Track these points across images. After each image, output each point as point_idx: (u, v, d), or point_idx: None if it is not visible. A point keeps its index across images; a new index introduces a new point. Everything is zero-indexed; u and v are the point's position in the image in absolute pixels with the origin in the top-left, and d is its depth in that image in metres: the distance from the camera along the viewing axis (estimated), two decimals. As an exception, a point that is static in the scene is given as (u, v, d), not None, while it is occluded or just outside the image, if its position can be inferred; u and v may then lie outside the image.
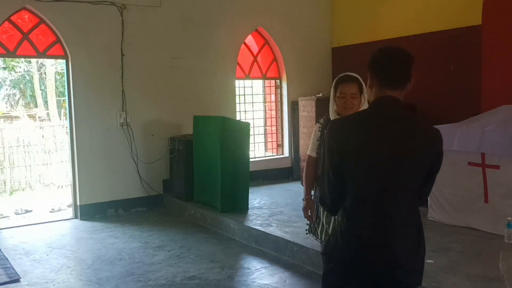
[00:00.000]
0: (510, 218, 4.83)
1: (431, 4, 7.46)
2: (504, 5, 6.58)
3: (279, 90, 8.88)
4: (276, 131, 8.95)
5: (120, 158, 7.26)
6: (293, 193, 7.59)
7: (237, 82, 8.39)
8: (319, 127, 3.35)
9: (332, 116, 3.25)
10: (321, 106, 7.89)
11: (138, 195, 7.41)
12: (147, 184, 7.43)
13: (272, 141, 8.97)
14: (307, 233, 3.55)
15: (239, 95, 8.55)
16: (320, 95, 8.18)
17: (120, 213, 7.25)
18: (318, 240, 3.39)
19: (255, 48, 8.70)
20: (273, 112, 8.94)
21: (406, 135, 2.12)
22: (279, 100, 8.90)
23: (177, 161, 7.26)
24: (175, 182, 7.36)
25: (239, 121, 6.81)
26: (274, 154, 8.94)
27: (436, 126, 4.85)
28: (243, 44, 8.40)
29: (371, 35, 8.37)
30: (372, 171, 2.11)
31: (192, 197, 7.01)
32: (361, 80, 3.18)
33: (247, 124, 6.68)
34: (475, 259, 4.39)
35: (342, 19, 9.03)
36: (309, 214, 3.41)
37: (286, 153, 8.87)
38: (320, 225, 3.33)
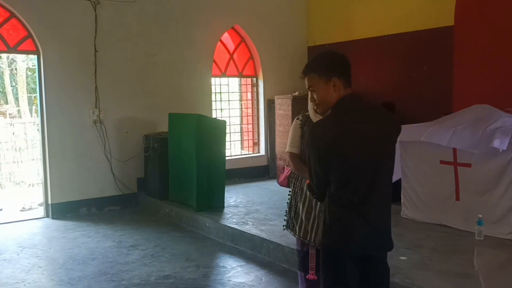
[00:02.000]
0: (480, 216, 4.93)
1: (406, 5, 7.55)
2: (475, 7, 6.71)
3: (255, 88, 8.87)
4: (252, 129, 8.94)
5: (93, 156, 7.14)
6: (269, 191, 7.60)
7: (213, 79, 8.34)
8: (299, 124, 3.33)
9: (310, 112, 3.25)
10: (297, 104, 7.92)
11: (111, 194, 7.30)
12: (120, 183, 7.33)
13: (248, 139, 8.96)
14: (284, 229, 3.52)
15: (215, 92, 8.51)
16: (296, 93, 8.20)
17: (92, 212, 7.13)
18: (295, 236, 3.36)
19: (231, 45, 8.67)
20: (249, 110, 8.93)
21: (382, 123, 2.46)
22: (255, 98, 8.90)
23: (151, 159, 7.18)
24: (150, 181, 7.28)
25: (215, 119, 6.78)
26: (250, 153, 8.93)
27: (410, 125, 4.93)
28: (219, 42, 8.36)
29: (347, 35, 8.43)
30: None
31: (167, 195, 6.94)
32: None
33: (223, 122, 6.64)
34: (447, 256, 4.46)
35: (317, 18, 9.07)
36: None
37: (262, 152, 8.87)
38: (299, 221, 3.31)
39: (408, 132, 5.25)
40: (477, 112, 5.49)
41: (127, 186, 7.39)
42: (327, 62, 2.48)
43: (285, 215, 3.49)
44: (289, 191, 3.47)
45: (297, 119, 3.39)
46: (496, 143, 4.85)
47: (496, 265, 2.01)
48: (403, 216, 5.70)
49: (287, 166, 8.22)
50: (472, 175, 5.14)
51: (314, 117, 3.23)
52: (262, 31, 8.65)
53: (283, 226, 3.53)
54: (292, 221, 3.37)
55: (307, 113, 3.32)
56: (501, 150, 4.86)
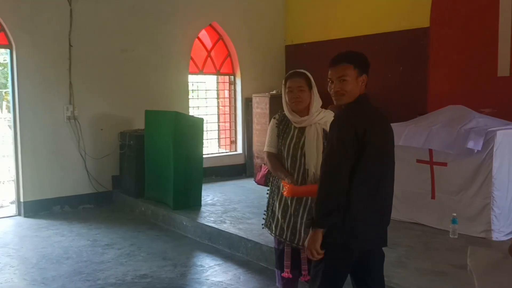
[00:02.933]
0: (455, 214, 5.02)
1: (382, 6, 7.63)
2: (451, 9, 6.82)
3: (233, 86, 8.83)
4: (230, 127, 8.90)
5: (67, 153, 6.99)
6: (246, 190, 7.57)
7: (190, 77, 8.27)
8: (276, 123, 3.33)
9: (286, 111, 3.26)
10: (275, 103, 7.91)
11: (85, 192, 7.16)
12: (95, 180, 7.20)
13: (225, 138, 8.92)
14: (263, 227, 3.51)
15: (192, 90, 8.43)
16: (274, 92, 8.20)
17: (66, 210, 6.98)
18: (272, 234, 3.35)
19: (209, 43, 8.61)
20: (227, 109, 8.89)
21: (388, 123, 2.69)
22: (232, 96, 8.86)
23: (127, 156, 7.07)
24: (125, 178, 7.17)
25: (192, 116, 6.72)
26: (227, 151, 8.89)
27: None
28: (196, 39, 8.29)
29: (324, 34, 8.47)
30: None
31: (143, 193, 6.85)
32: (309, 75, 3.25)
33: (201, 120, 6.59)
34: (423, 254, 4.52)
35: (295, 17, 9.08)
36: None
37: (240, 150, 8.84)
38: (275, 220, 3.30)
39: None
40: (452, 113, 5.59)
41: (102, 184, 7.27)
42: (364, 58, 2.58)
43: (264, 214, 3.48)
44: (267, 190, 3.47)
45: (274, 118, 3.37)
46: (470, 144, 4.94)
47: (490, 264, 2.04)
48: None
49: (264, 165, 8.21)
50: (448, 174, 5.23)
51: (291, 116, 3.23)
52: (240, 29, 8.62)
53: (262, 224, 3.53)
54: (269, 219, 3.37)
55: (284, 112, 3.30)
56: (475, 151, 4.95)
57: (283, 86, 3.27)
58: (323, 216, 2.42)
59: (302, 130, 3.22)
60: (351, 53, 2.59)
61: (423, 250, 4.66)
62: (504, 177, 4.99)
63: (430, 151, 5.34)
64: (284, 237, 3.25)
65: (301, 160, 3.18)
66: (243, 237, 5.13)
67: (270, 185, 3.41)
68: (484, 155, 4.94)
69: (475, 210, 5.05)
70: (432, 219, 5.37)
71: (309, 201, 3.18)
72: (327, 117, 3.25)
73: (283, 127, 3.28)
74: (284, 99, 3.26)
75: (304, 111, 3.22)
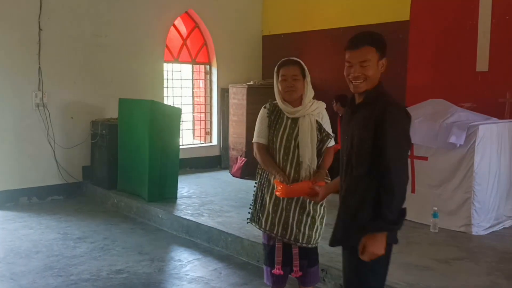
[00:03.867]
0: (436, 208, 5.01)
1: (362, -3, 7.57)
2: (430, 3, 6.81)
3: (208, 76, 8.63)
4: (205, 118, 8.70)
5: (35, 141, 6.66)
6: (222, 182, 7.42)
7: (165, 65, 8.02)
8: (267, 113, 3.16)
9: (278, 101, 3.11)
10: (252, 94, 7.77)
11: (54, 183, 6.86)
12: (64, 171, 6.90)
13: (200, 129, 8.71)
14: (248, 222, 3.34)
15: (167, 79, 8.19)
16: (251, 82, 8.05)
17: (34, 201, 6.67)
18: (261, 229, 3.19)
19: (184, 31, 8.37)
20: (202, 99, 8.68)
21: None
22: (208, 86, 8.66)
23: (99, 146, 6.80)
24: (97, 169, 6.90)
25: (169, 105, 6.51)
26: (202, 142, 8.69)
27: None
28: (172, 26, 8.04)
29: (303, 25, 8.36)
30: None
31: (115, 185, 6.61)
32: (303, 64, 3.11)
33: (178, 110, 6.39)
34: (405, 248, 4.47)
35: (273, 7, 8.93)
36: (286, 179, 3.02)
37: (215, 141, 8.66)
38: (265, 214, 3.13)
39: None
40: (433, 107, 5.57)
41: (72, 175, 6.97)
42: (384, 40, 2.37)
43: (250, 208, 3.32)
44: (255, 183, 3.31)
45: (264, 107, 3.19)
46: (453, 138, 4.93)
47: None
48: (359, 208, 5.69)
49: (240, 156, 8.03)
50: (429, 168, 5.20)
51: (284, 106, 3.09)
52: (217, 17, 8.41)
53: (247, 219, 3.35)
54: (257, 214, 3.19)
55: (275, 102, 3.15)
56: (458, 145, 4.94)
57: (275, 74, 3.12)
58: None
59: (295, 120, 3.07)
60: (373, 34, 2.37)
61: (404, 244, 4.61)
62: (485, 171, 5.01)
63: (411, 145, 5.30)
64: (275, 232, 3.11)
65: (295, 152, 3.04)
66: (223, 231, 4.98)
67: (258, 178, 3.25)
68: (466, 149, 4.94)
69: (455, 204, 5.05)
70: (412, 213, 5.24)
71: None
72: (320, 108, 3.14)
73: (274, 117, 3.11)
74: (277, 88, 3.12)
75: (297, 101, 3.08)
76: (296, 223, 3.07)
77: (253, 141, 3.23)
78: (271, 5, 8.96)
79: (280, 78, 3.08)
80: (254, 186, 3.30)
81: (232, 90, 8.07)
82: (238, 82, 8.30)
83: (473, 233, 4.93)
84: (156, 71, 7.84)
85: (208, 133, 8.71)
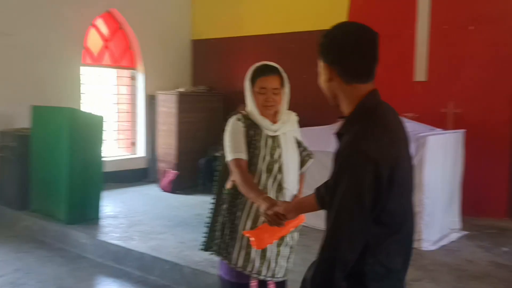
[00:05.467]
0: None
1: (297, 3, 7.31)
2: (368, 11, 6.67)
3: (134, 81, 7.94)
4: (130, 127, 7.99)
5: None
6: (151, 197, 6.78)
7: (83, 69, 7.24)
8: (244, 127, 2.54)
9: (255, 114, 2.55)
10: (183, 101, 7.24)
11: (-48, 203, 5.87)
12: (-35, 189, 5.93)
13: (124, 139, 7.98)
14: (202, 249, 2.69)
15: (85, 84, 7.40)
16: (182, 89, 7.50)
17: None
18: (230, 264, 2.57)
19: (107, 32, 7.64)
20: (127, 106, 7.97)
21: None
22: (133, 93, 7.96)
23: (8, 160, 5.91)
24: (5, 187, 6.00)
25: (91, 114, 5.78)
26: (126, 154, 7.96)
27: (307, 128, 4.30)
28: (92, 26, 7.29)
29: (235, 30, 7.96)
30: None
31: (28, 205, 5.76)
32: (282, 71, 2.61)
33: (100, 118, 5.69)
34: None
35: (202, 10, 8.45)
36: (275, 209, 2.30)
37: (141, 153, 7.97)
38: (238, 247, 2.54)
39: (311, 140, 4.91)
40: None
41: (-26, 194, 6.01)
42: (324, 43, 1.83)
43: (206, 234, 2.68)
44: (214, 203, 2.65)
45: (238, 120, 2.57)
46: (402, 149, 4.73)
47: None
48: (304, 225, 5.34)
49: (170, 169, 7.40)
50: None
51: (264, 122, 2.54)
52: (143, 17, 7.77)
53: (202, 246, 2.70)
54: (225, 245, 2.57)
55: (245, 114, 2.59)
56: (407, 157, 4.74)
57: (248, 82, 2.58)
58: None
59: (274, 139, 2.58)
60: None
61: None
62: (433, 184, 4.85)
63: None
64: (250, 269, 2.54)
65: (277, 176, 2.54)
66: (158, 257, 4.39)
67: (229, 200, 2.58)
68: (416, 161, 4.74)
69: (404, 219, 4.84)
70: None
71: None
72: (293, 119, 2.70)
73: (254, 133, 2.55)
74: (252, 100, 2.57)
75: (272, 116, 2.60)
76: (276, 256, 2.59)
77: (229, 158, 2.51)
78: (200, 8, 8.47)
79: (256, 90, 2.55)
80: (212, 208, 2.67)
81: (160, 97, 7.46)
82: (166, 88, 7.71)
83: (423, 248, 4.74)
84: (73, 76, 7.05)
85: (134, 144, 8.01)
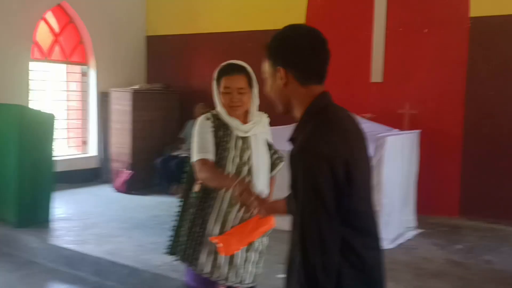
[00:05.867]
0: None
1: (256, 2, 7.26)
2: (325, 11, 6.72)
3: (85, 78, 7.64)
4: (81, 125, 7.68)
5: None
6: (104, 198, 6.55)
7: (32, 64, 6.89)
8: (212, 127, 2.47)
9: (223, 114, 2.48)
10: (138, 99, 7.05)
11: None
12: None
13: (75, 138, 7.67)
14: (167, 254, 2.58)
15: (34, 80, 7.05)
16: (137, 87, 7.29)
17: None
18: (197, 270, 2.47)
19: (57, 26, 7.31)
20: (78, 103, 7.65)
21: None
22: (85, 89, 7.66)
23: (-51, 160, 5.53)
24: None
25: (41, 111, 5.50)
26: (77, 153, 7.65)
27: (274, 127, 4.24)
28: (41, 20, 6.95)
29: (191, 27, 7.81)
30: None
31: (-29, 207, 5.41)
32: (249, 70, 2.53)
33: (52, 116, 5.43)
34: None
35: (158, 6, 8.24)
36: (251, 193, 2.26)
37: (93, 152, 7.68)
38: (204, 252, 2.45)
39: (281, 140, 4.90)
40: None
41: None
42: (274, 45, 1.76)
43: (171, 238, 2.58)
44: (181, 208, 2.54)
45: (207, 119, 2.50)
46: (362, 150, 4.78)
47: None
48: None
49: (124, 169, 7.19)
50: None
51: (233, 122, 2.46)
52: (95, 12, 7.49)
53: (167, 250, 2.58)
54: (191, 251, 2.47)
55: (214, 112, 2.53)
56: (366, 157, 4.80)
57: (215, 82, 2.50)
58: None
59: (245, 140, 2.50)
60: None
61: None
62: (391, 183, 4.93)
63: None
64: (217, 276, 2.45)
65: (246, 179, 2.46)
66: (115, 262, 4.23)
67: (197, 205, 2.48)
68: (375, 162, 4.81)
69: (363, 218, 4.90)
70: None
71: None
72: (264, 121, 2.64)
73: (223, 134, 2.47)
74: (219, 99, 2.51)
75: (242, 116, 2.52)
76: (244, 262, 2.51)
77: (195, 158, 2.44)
78: (155, 3, 8.26)
79: (222, 90, 2.47)
80: (179, 211, 2.56)
81: (114, 94, 7.21)
82: (120, 85, 7.47)
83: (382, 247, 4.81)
84: (21, 71, 6.70)
85: (85, 143, 7.71)
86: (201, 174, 2.41)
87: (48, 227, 5.14)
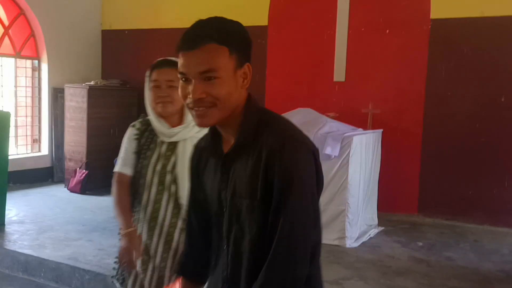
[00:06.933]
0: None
1: (219, -1, 7.15)
2: (288, 10, 6.70)
3: (37, 73, 7.27)
4: (32, 123, 7.30)
5: None
6: (59, 199, 6.26)
7: (-21, 58, 6.51)
8: (135, 134, 2.29)
9: (152, 117, 2.26)
10: (95, 95, 6.79)
11: None
12: None
13: (25, 136, 7.28)
14: (112, 280, 2.43)
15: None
16: (93, 83, 7.01)
17: None
18: None
19: (6, 18, 6.90)
20: (28, 100, 7.26)
21: None
22: (36, 85, 7.29)
23: None
24: None
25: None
26: (28, 152, 7.27)
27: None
28: (-11, 10, 6.57)
29: (150, 22, 7.60)
30: None
31: None
32: None
33: (7, 114, 5.14)
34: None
35: (114, -1, 7.97)
36: (134, 259, 2.16)
37: (45, 151, 7.32)
38: (133, 275, 2.26)
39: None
40: (303, 116, 5.38)
41: None
42: (238, 34, 1.51)
43: (115, 263, 2.36)
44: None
45: (133, 126, 2.33)
46: (328, 150, 4.79)
47: None
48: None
49: (79, 168, 6.89)
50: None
51: (158, 125, 2.25)
52: (48, 3, 7.13)
53: (113, 277, 2.38)
54: (123, 272, 2.29)
55: (147, 118, 2.31)
56: (332, 157, 4.81)
57: (146, 78, 2.27)
58: None
59: (172, 146, 2.25)
60: (219, 24, 1.42)
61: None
62: (356, 183, 4.98)
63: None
64: None
65: (171, 189, 2.22)
66: (76, 266, 4.03)
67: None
68: (340, 161, 4.83)
69: (329, 217, 4.90)
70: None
71: (179, 245, 2.21)
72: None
73: (146, 141, 2.28)
74: (148, 97, 2.27)
75: (175, 117, 2.26)
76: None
77: (114, 170, 2.29)
78: (111, -4, 7.98)
79: (151, 84, 2.23)
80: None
81: (68, 90, 6.90)
82: (74, 81, 7.16)
83: (347, 245, 4.85)
84: (-32, 64, 6.30)
85: (37, 141, 7.34)
86: (112, 189, 2.27)
87: (1, 230, 4.85)
